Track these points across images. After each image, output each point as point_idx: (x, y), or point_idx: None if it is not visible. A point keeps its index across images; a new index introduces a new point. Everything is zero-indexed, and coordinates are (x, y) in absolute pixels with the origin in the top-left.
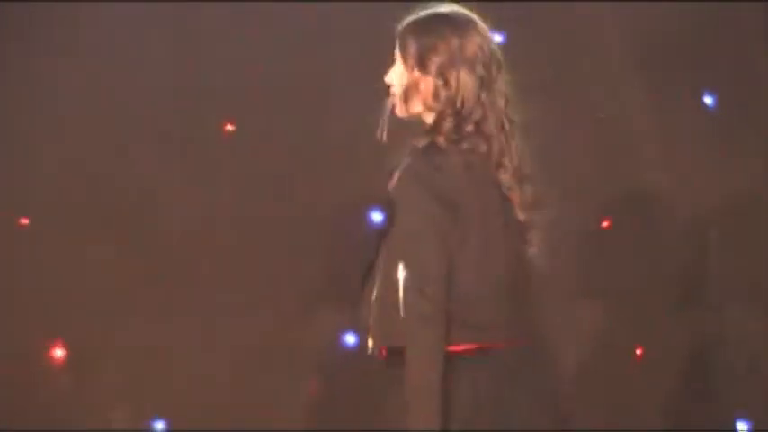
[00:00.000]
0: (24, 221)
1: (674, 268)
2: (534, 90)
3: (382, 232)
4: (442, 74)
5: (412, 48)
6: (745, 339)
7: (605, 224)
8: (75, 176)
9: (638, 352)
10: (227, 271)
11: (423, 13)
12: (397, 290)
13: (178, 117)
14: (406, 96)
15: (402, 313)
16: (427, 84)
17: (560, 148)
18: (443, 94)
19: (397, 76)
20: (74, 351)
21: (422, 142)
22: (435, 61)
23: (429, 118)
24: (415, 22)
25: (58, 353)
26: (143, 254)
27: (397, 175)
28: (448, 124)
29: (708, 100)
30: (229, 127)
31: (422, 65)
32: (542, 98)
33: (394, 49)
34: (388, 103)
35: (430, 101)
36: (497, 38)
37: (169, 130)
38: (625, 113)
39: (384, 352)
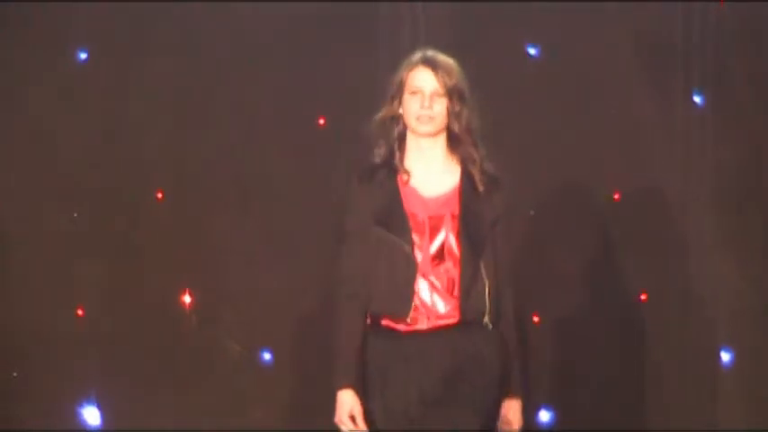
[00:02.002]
0: (159, 195)
1: None
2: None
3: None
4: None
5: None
6: None
7: None
8: (206, 159)
9: None
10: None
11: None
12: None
13: (279, 112)
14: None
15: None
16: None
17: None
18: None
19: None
20: (198, 298)
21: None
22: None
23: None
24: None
25: (187, 299)
26: (257, 222)
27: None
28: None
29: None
30: (321, 122)
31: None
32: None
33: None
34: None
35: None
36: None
37: (273, 123)
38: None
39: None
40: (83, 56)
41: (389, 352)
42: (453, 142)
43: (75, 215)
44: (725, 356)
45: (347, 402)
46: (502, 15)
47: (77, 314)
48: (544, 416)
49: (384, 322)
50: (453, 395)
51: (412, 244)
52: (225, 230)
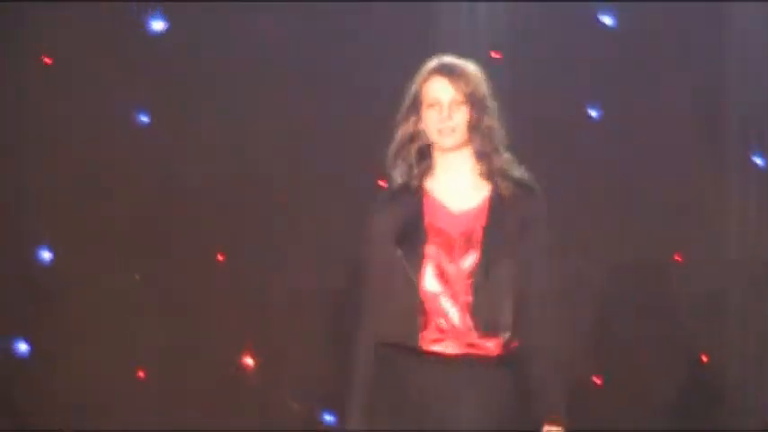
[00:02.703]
0: (221, 258)
1: None
2: None
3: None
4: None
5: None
6: None
7: None
8: (265, 218)
9: None
10: None
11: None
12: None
13: None
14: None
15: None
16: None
17: None
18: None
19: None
20: (259, 357)
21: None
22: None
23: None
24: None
25: (249, 360)
26: (315, 280)
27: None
28: None
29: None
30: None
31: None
32: None
33: None
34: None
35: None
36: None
37: None
38: None
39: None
40: (144, 118)
41: (405, 381)
42: (477, 151)
43: (138, 277)
44: None
45: None
46: (563, 75)
47: (138, 375)
48: None
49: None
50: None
51: (421, 261)
52: (284, 290)
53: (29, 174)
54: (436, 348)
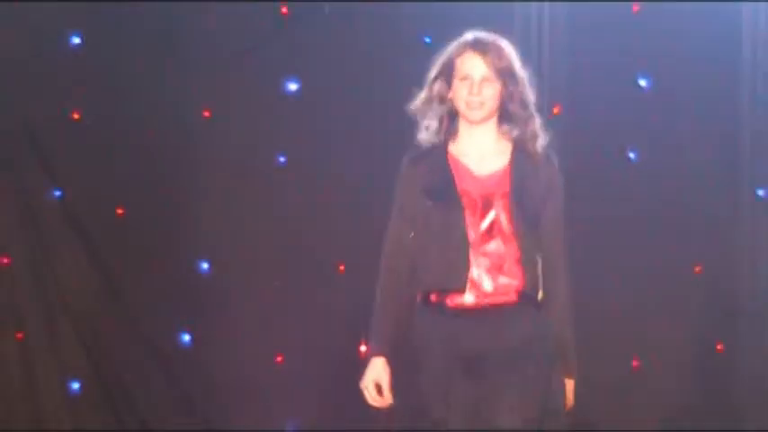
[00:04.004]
0: (341, 268)
1: None
2: None
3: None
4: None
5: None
6: None
7: None
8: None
9: None
10: None
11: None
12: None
13: None
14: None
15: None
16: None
17: None
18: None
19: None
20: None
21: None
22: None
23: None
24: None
25: (363, 348)
26: None
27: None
28: None
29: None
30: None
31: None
32: None
33: None
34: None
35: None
36: None
37: None
38: None
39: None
40: (281, 159)
41: (435, 329)
42: (508, 121)
43: (276, 283)
44: None
45: (375, 370)
46: (601, 119)
47: (277, 361)
48: None
49: (433, 298)
50: (498, 376)
51: (464, 220)
52: None
53: (192, 202)
54: (458, 300)
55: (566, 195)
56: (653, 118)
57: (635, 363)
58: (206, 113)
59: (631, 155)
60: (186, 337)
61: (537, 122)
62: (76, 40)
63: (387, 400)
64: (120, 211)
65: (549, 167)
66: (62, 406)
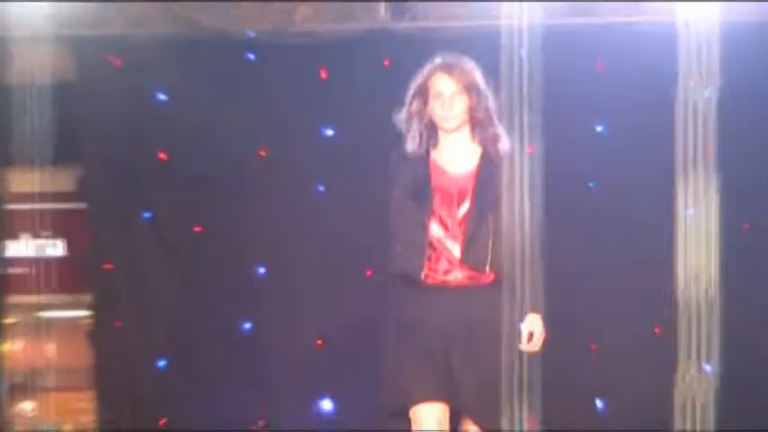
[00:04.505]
0: (368, 273)
1: None
2: None
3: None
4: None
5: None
6: None
7: None
8: None
9: None
10: None
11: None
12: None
13: None
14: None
15: None
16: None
17: None
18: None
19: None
20: None
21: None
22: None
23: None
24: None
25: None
26: None
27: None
28: None
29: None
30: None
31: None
32: None
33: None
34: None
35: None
36: None
37: None
38: None
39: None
40: (320, 188)
41: (414, 304)
42: (476, 127)
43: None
44: None
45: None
46: (566, 156)
47: (317, 344)
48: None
49: (410, 278)
50: (463, 339)
51: (430, 214)
52: None
53: (251, 220)
54: (448, 278)
55: (539, 210)
56: (607, 155)
57: (593, 347)
58: (262, 153)
59: (591, 183)
60: (247, 325)
61: (499, 127)
62: (163, 97)
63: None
64: (197, 229)
65: (508, 164)
66: (151, 379)
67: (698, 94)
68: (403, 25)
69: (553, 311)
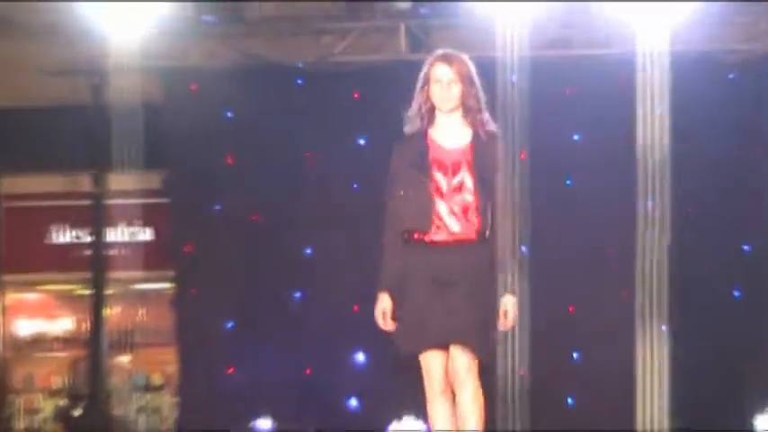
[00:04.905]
0: None
1: None
2: None
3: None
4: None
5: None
6: None
7: None
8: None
9: None
10: None
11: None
12: None
13: None
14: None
15: None
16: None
17: None
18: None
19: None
20: None
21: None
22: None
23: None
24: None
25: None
26: None
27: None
28: None
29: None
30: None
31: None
32: None
33: None
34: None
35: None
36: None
37: None
38: None
39: None
40: (355, 186)
41: (414, 259)
42: (467, 112)
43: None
44: None
45: (380, 303)
46: (549, 159)
47: (354, 310)
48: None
49: (413, 236)
50: (459, 286)
51: (431, 180)
52: None
53: (297, 209)
54: (436, 237)
55: (526, 206)
56: (582, 159)
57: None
58: (308, 157)
59: (568, 182)
60: (297, 294)
61: (486, 114)
62: (230, 114)
63: (390, 325)
64: (255, 217)
65: (497, 144)
66: (221, 337)
67: (653, 109)
68: (420, 56)
69: (539, 282)
